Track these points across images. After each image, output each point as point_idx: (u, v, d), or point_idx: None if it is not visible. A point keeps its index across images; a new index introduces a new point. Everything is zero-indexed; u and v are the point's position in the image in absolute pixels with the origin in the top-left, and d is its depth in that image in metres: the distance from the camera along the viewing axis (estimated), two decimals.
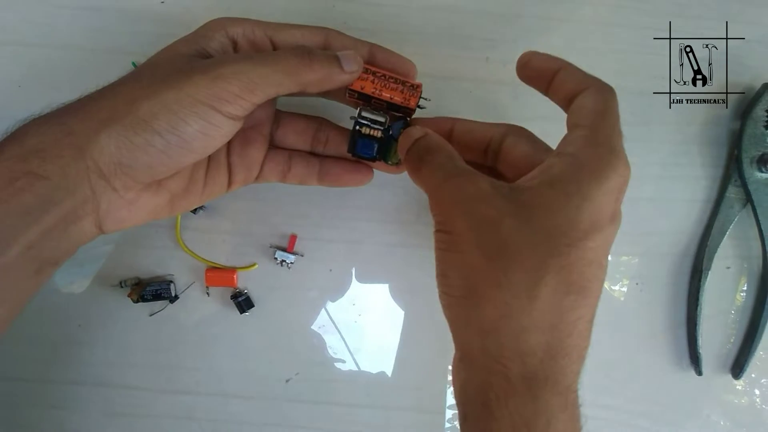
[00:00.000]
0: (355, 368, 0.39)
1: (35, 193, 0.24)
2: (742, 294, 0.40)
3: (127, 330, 0.38)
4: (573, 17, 0.39)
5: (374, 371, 0.39)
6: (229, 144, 0.31)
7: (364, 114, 0.30)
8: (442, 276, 0.27)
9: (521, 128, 0.30)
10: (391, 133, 0.30)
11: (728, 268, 0.40)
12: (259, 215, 0.38)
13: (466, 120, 0.31)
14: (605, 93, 0.27)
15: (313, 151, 0.34)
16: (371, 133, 0.30)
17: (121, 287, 0.37)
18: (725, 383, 0.41)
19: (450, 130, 0.31)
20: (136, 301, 0.37)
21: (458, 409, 0.27)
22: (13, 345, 0.38)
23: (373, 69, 0.29)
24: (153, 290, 0.37)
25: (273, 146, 0.33)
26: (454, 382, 0.27)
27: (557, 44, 0.39)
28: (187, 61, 0.27)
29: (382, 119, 0.30)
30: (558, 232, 0.24)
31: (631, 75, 0.39)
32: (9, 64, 0.37)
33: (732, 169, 0.39)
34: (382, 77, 0.29)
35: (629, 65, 0.39)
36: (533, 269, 0.23)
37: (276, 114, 0.33)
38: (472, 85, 0.39)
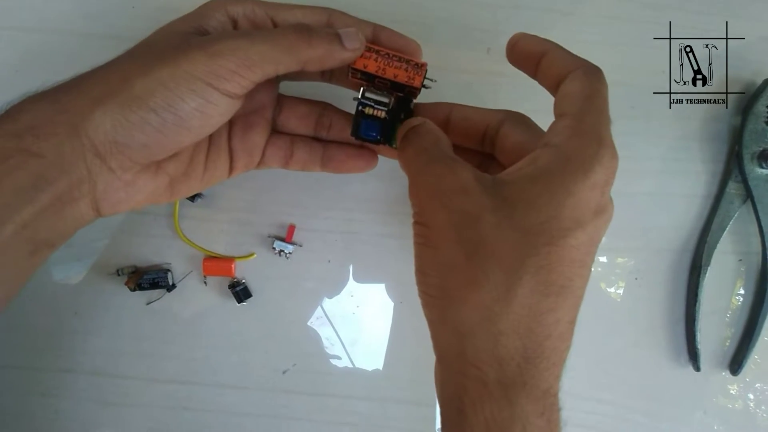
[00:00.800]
0: (352, 360, 0.39)
1: (29, 171, 0.23)
2: (741, 290, 0.40)
3: (124, 319, 0.38)
4: (576, 11, 0.39)
5: (371, 363, 0.39)
6: (230, 128, 0.31)
7: (367, 94, 0.29)
8: (420, 273, 0.25)
9: (519, 114, 0.29)
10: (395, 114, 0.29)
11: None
12: (258, 205, 0.38)
13: (463, 106, 0.30)
14: (592, 76, 0.25)
15: (316, 137, 0.33)
16: (375, 113, 0.29)
17: (118, 275, 0.37)
18: (723, 379, 0.41)
19: (447, 115, 0.30)
20: (133, 290, 0.37)
21: (440, 412, 0.26)
22: (8, 332, 0.38)
23: (377, 48, 0.28)
24: (150, 279, 0.37)
25: (275, 131, 0.33)
26: (435, 385, 0.26)
27: (558, 37, 0.38)
28: (183, 38, 0.26)
29: (386, 99, 0.29)
30: (538, 230, 0.22)
31: (631, 74, 0.39)
32: (6, 49, 0.37)
33: (732, 165, 0.39)
34: (386, 56, 0.28)
35: (629, 65, 0.39)
36: (512, 269, 0.22)
37: (278, 98, 0.33)
38: (473, 77, 0.38)
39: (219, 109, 0.26)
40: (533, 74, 0.28)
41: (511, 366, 0.23)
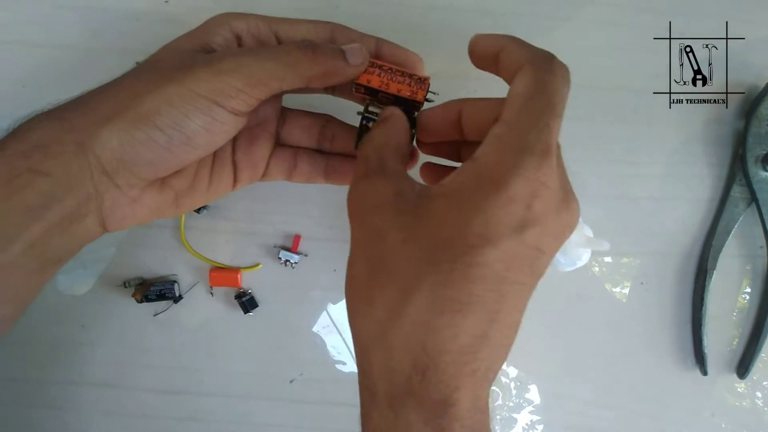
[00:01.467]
0: None
1: (37, 189, 0.24)
2: (747, 293, 0.40)
3: (131, 330, 0.38)
4: (575, 16, 0.39)
5: None
6: (234, 142, 0.31)
7: (371, 109, 0.29)
8: (346, 284, 0.25)
9: None
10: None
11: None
12: (263, 215, 0.38)
13: (473, 99, 0.28)
14: (539, 70, 0.23)
15: (319, 149, 0.34)
16: None
17: (125, 287, 0.37)
18: (730, 383, 0.40)
19: (458, 113, 0.29)
20: (140, 301, 0.37)
21: None
22: (16, 346, 0.38)
23: (380, 63, 0.29)
24: (157, 290, 0.37)
25: (279, 144, 0.33)
26: None
27: (558, 42, 0.39)
28: (189, 56, 0.26)
29: None
30: (440, 247, 0.22)
31: (631, 75, 0.39)
32: (13, 64, 0.37)
33: (736, 168, 0.39)
34: (389, 71, 0.29)
35: (629, 65, 0.39)
36: (407, 286, 0.22)
37: (282, 111, 0.33)
38: (477, 84, 0.39)
39: (225, 127, 0.26)
40: (498, 75, 0.26)
41: (400, 378, 0.22)
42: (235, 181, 0.32)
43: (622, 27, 0.39)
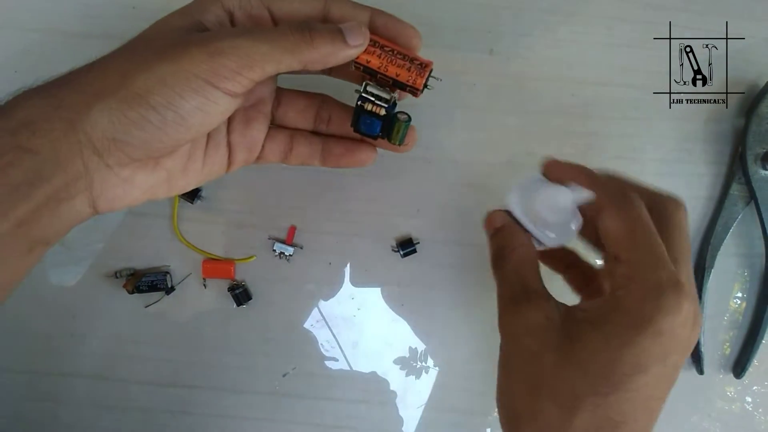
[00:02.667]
0: (352, 363, 0.39)
1: (24, 167, 0.23)
2: (744, 291, 0.40)
3: (122, 322, 0.38)
4: (577, 11, 0.39)
5: (371, 366, 0.39)
6: (229, 123, 0.30)
7: (369, 89, 0.28)
8: (499, 392, 0.29)
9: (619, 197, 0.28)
10: (393, 112, 0.29)
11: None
12: (258, 206, 0.38)
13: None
14: (623, 207, 0.27)
15: (315, 130, 0.33)
16: (374, 110, 0.28)
17: (117, 278, 0.37)
18: (727, 382, 0.40)
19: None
20: (132, 292, 0.36)
21: None
22: (6, 336, 0.37)
23: (381, 42, 0.27)
24: (149, 281, 0.37)
25: (274, 125, 0.32)
26: None
27: (560, 39, 0.38)
28: (183, 34, 0.25)
29: (386, 96, 0.28)
30: (597, 374, 0.25)
31: (631, 75, 0.39)
32: (5, 49, 0.36)
33: (736, 167, 0.39)
34: (390, 52, 0.27)
35: (629, 65, 0.39)
36: (567, 405, 0.25)
37: (277, 92, 0.32)
38: (476, 78, 0.38)
39: (219, 108, 0.25)
40: None
41: None
42: (230, 163, 0.31)
43: (622, 26, 0.39)
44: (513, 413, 0.28)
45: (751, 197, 0.38)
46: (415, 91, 0.28)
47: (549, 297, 0.28)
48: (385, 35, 0.28)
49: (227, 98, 0.25)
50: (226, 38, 0.24)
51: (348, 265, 0.38)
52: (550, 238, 0.29)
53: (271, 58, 0.25)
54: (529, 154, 0.38)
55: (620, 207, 0.26)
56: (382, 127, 0.29)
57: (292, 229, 0.38)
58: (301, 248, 0.38)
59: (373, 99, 0.28)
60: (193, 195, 0.37)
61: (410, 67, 0.27)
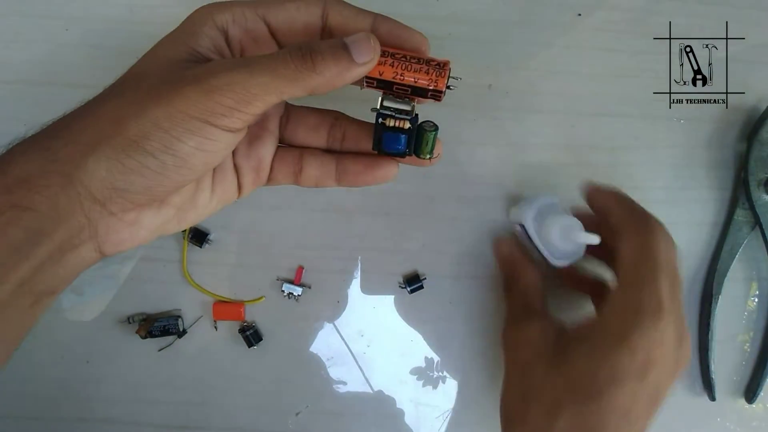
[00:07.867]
0: (365, 400, 0.39)
1: (23, 226, 0.22)
2: (753, 317, 0.40)
3: (136, 366, 0.38)
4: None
5: (385, 403, 0.39)
6: None
7: (386, 103, 0.26)
8: (501, 400, 0.33)
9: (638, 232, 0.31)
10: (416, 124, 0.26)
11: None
12: (266, 247, 0.38)
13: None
14: (640, 235, 0.29)
15: (329, 148, 0.31)
16: (397, 124, 0.25)
17: (129, 323, 0.37)
18: (739, 408, 0.40)
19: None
20: (144, 337, 0.37)
21: None
22: (20, 383, 0.38)
23: (391, 50, 0.25)
24: (161, 326, 0.37)
25: (284, 144, 0.30)
26: None
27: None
28: (175, 70, 0.24)
29: (407, 107, 0.26)
30: (577, 383, 0.28)
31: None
32: (15, 103, 0.37)
33: (739, 192, 0.39)
34: (402, 58, 0.25)
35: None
36: (551, 411, 0.28)
37: (285, 108, 0.30)
38: (476, 113, 0.39)
39: (221, 144, 0.24)
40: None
41: None
42: (240, 187, 0.30)
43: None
44: (508, 415, 0.32)
45: (756, 222, 0.39)
46: (437, 95, 0.25)
47: (547, 316, 0.33)
48: (390, 44, 0.25)
49: (228, 134, 0.24)
50: (221, 73, 0.23)
51: (356, 302, 0.39)
52: (556, 261, 0.33)
53: (272, 89, 0.23)
54: (531, 187, 0.38)
55: (639, 233, 0.29)
56: (407, 141, 0.26)
57: (300, 269, 0.38)
58: (310, 288, 0.38)
59: (392, 113, 0.26)
60: (201, 239, 0.37)
61: (428, 69, 0.25)
